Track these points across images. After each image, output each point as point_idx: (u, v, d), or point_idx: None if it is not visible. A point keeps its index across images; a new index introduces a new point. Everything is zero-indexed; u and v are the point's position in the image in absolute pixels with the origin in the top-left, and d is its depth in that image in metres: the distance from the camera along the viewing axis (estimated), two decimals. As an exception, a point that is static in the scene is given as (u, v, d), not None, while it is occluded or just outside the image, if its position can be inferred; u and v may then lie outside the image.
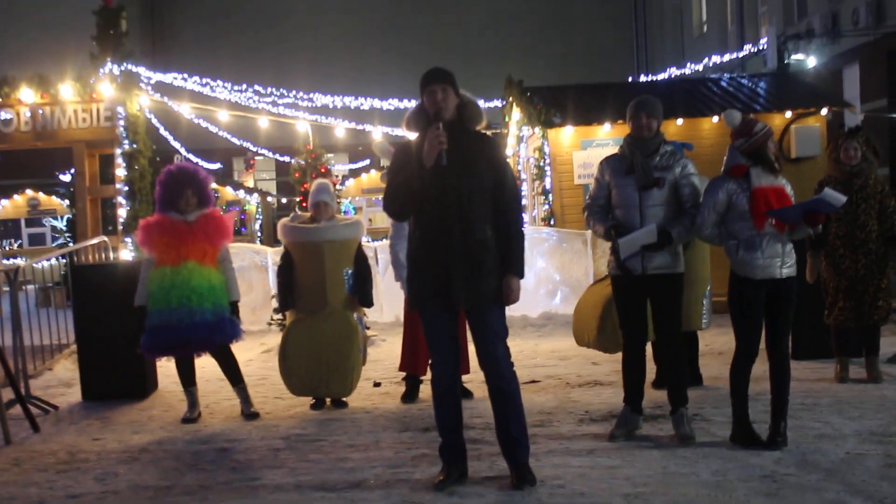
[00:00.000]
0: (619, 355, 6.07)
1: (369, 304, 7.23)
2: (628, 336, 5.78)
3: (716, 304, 7.09)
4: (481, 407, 5.34)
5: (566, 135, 12.02)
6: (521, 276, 4.97)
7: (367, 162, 27.23)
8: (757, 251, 5.36)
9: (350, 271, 7.08)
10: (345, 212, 19.56)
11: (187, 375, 6.96)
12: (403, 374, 7.38)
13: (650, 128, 5.65)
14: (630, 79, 23.86)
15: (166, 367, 8.72)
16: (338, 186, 9.24)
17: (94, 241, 10.42)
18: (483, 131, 5.15)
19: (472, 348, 5.39)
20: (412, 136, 5.06)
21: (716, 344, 9.11)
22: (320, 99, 15.16)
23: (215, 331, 6.70)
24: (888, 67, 17.48)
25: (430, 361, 5.15)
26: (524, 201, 13.72)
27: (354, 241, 7.19)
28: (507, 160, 5.28)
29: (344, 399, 7.11)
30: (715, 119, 11.79)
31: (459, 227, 4.78)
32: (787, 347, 5.51)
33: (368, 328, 8.95)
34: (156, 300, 6.64)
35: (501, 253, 4.89)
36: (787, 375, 5.45)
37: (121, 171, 10.74)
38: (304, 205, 11.49)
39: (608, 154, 6.04)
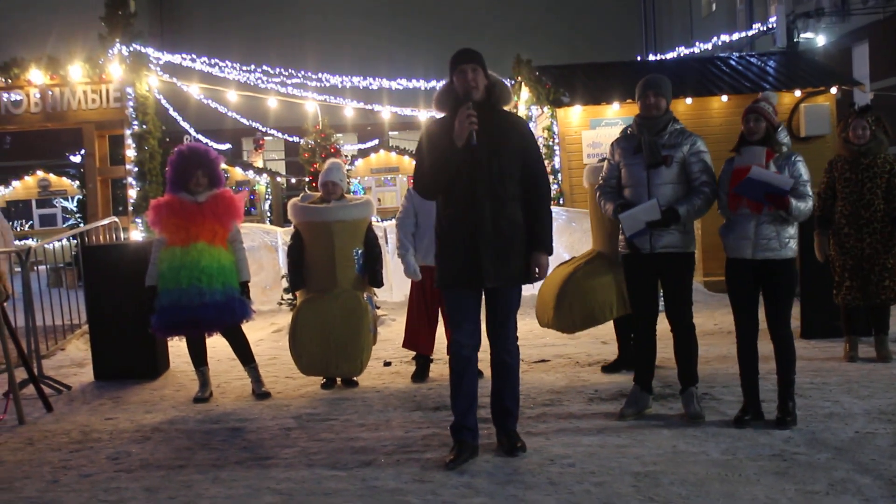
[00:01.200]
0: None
1: (379, 283, 7.23)
2: (638, 316, 5.80)
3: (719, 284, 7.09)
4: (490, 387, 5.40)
5: (575, 114, 12.00)
6: (551, 252, 5.05)
7: (376, 142, 27.22)
8: (729, 231, 5.47)
9: (360, 251, 7.08)
10: (354, 192, 19.56)
11: (199, 355, 7.00)
12: (413, 353, 7.42)
13: (658, 106, 5.65)
14: (639, 58, 23.74)
15: (178, 347, 8.79)
16: (347, 166, 9.27)
17: (105, 221, 10.45)
18: (512, 111, 5.18)
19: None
20: (438, 114, 5.11)
21: (724, 323, 9.11)
22: (329, 79, 15.14)
23: (225, 311, 6.73)
24: (898, 45, 17.39)
25: (447, 338, 5.20)
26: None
27: (364, 222, 7.17)
28: (536, 139, 5.30)
29: (354, 378, 7.15)
30: (724, 98, 11.76)
31: (490, 206, 4.85)
32: (787, 328, 5.48)
33: (378, 308, 8.97)
34: (166, 280, 6.68)
35: (529, 231, 4.97)
36: (788, 356, 5.46)
37: (130, 152, 10.75)
38: (314, 185, 11.50)
39: (617, 133, 6.05)
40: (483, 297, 5.09)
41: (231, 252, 6.87)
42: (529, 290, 10.58)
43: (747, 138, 5.47)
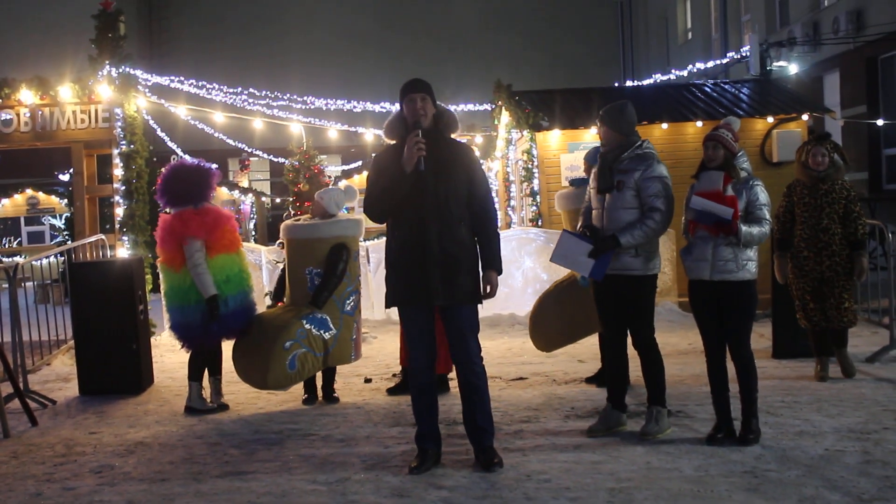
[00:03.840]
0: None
1: (318, 304, 6.85)
2: (606, 335, 5.93)
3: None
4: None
5: (554, 138, 12.14)
6: (500, 271, 5.21)
7: (359, 163, 27.36)
8: (689, 254, 5.59)
9: (314, 270, 6.95)
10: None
11: (219, 364, 7.20)
12: (395, 369, 7.51)
13: (607, 137, 5.83)
14: (616, 84, 23.97)
15: (161, 363, 8.89)
16: (329, 187, 9.30)
17: (92, 239, 10.49)
18: (457, 138, 5.40)
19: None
20: (392, 142, 5.31)
21: (698, 343, 9.09)
22: (314, 102, 15.27)
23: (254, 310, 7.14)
24: (867, 74, 17.66)
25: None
26: (513, 203, 13.88)
27: (320, 241, 6.98)
28: (481, 165, 5.49)
29: (335, 395, 7.23)
30: (699, 124, 11.92)
31: (437, 228, 5.03)
32: (746, 348, 5.58)
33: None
34: (233, 285, 6.87)
35: (480, 251, 5.16)
36: (748, 375, 5.55)
37: (118, 171, 10.79)
38: (297, 204, 11.63)
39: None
40: (440, 318, 5.25)
41: None
42: (509, 310, 10.76)
43: (706, 164, 5.61)
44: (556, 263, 5.75)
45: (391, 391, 7.36)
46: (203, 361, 7.09)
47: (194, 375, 7.06)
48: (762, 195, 5.55)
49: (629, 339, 5.86)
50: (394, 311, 5.41)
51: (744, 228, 5.40)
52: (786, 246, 7.34)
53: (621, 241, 5.53)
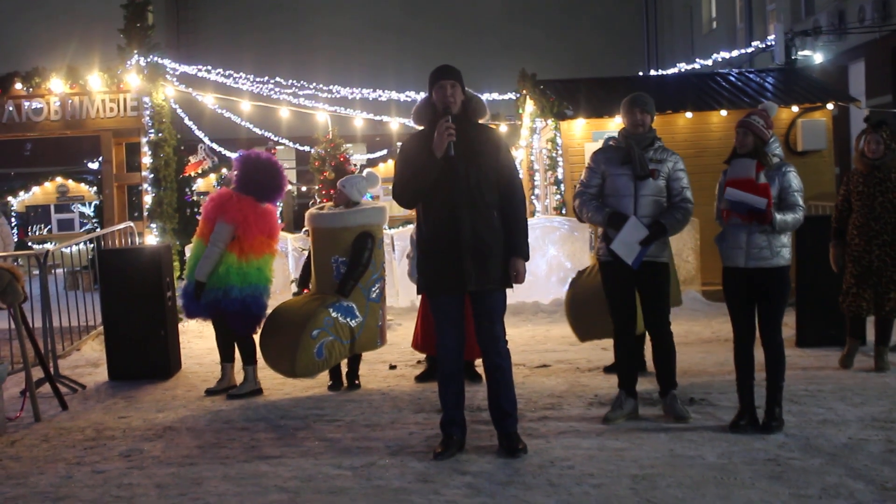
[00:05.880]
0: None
1: (344, 292, 6.91)
2: (618, 322, 5.92)
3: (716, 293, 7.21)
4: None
5: (578, 127, 12.14)
6: (527, 258, 5.24)
7: (385, 152, 27.39)
8: (723, 241, 5.59)
9: (340, 259, 7.00)
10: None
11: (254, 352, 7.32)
12: (420, 356, 7.55)
13: (644, 123, 5.83)
14: (640, 73, 23.84)
15: (188, 349, 8.99)
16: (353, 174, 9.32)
17: (121, 226, 10.62)
18: (487, 124, 5.41)
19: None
20: (420, 127, 5.34)
21: (721, 331, 9.19)
22: (339, 91, 15.32)
23: None
24: (893, 64, 17.46)
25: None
26: (537, 191, 13.88)
27: (345, 230, 7.02)
28: (510, 150, 5.53)
29: (357, 381, 7.28)
30: (723, 112, 11.87)
31: (469, 213, 5.05)
32: (778, 335, 5.58)
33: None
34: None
35: (507, 237, 5.17)
36: (777, 362, 5.55)
37: (146, 160, 10.91)
38: (323, 192, 11.71)
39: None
40: (469, 302, 5.27)
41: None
42: (533, 298, 10.78)
43: (738, 151, 5.60)
44: (615, 250, 5.69)
45: (419, 378, 7.41)
46: (231, 344, 7.24)
47: (245, 359, 7.23)
48: (795, 181, 5.54)
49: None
50: (418, 299, 5.46)
51: (778, 216, 5.39)
52: (842, 235, 7.22)
53: (667, 225, 5.66)
